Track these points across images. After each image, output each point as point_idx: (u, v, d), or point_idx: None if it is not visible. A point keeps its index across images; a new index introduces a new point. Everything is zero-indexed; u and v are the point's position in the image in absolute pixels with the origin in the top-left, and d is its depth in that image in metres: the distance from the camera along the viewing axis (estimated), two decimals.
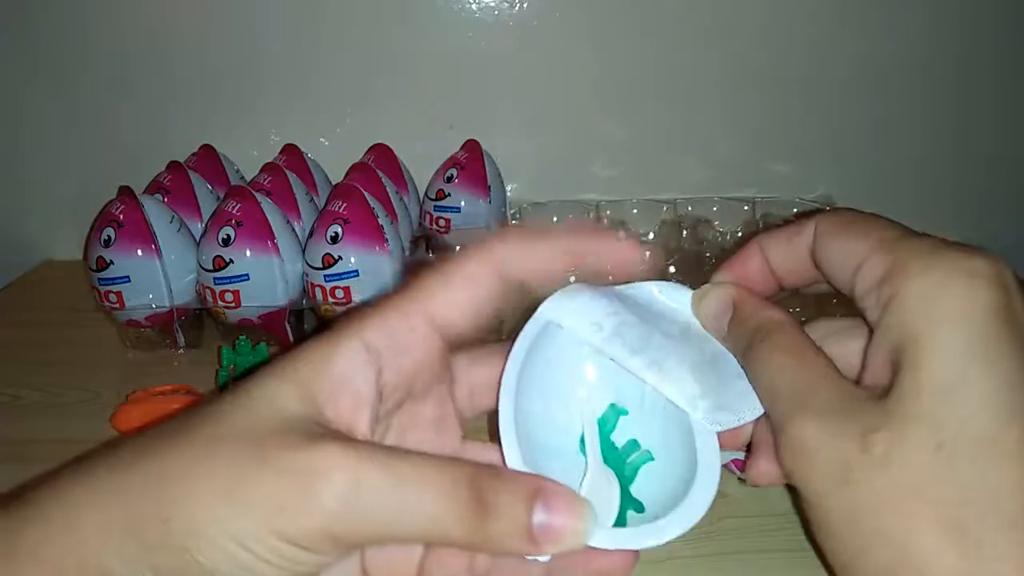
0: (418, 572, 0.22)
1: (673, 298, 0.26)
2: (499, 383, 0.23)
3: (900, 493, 0.19)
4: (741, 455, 0.38)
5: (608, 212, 0.68)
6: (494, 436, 0.22)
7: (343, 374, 0.20)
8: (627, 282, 0.25)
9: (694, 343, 0.25)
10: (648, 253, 0.24)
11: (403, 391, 0.22)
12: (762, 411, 0.23)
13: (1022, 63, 0.70)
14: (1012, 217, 0.77)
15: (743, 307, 0.25)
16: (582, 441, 0.24)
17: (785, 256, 0.26)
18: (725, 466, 0.38)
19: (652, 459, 0.24)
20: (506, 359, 0.23)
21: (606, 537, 0.20)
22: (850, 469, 0.19)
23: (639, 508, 0.22)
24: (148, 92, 0.69)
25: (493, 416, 0.23)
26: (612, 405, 0.25)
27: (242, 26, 0.67)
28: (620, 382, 0.24)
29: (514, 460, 0.21)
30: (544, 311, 0.24)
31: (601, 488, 0.23)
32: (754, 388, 0.23)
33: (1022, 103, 0.72)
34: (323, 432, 0.19)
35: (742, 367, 0.24)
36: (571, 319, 0.23)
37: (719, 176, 0.74)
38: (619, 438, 0.24)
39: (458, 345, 0.22)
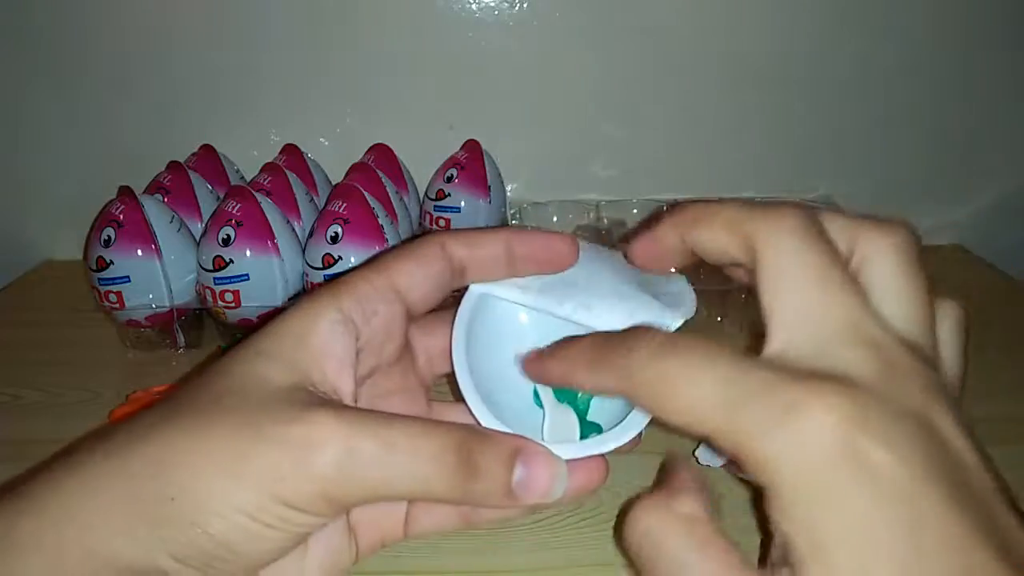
0: (404, 522, 0.25)
1: (591, 248, 0.27)
2: (450, 354, 0.25)
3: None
4: None
5: (608, 212, 0.68)
6: (457, 398, 0.24)
7: (324, 342, 0.21)
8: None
9: (618, 275, 0.26)
10: (581, 245, 0.26)
11: (375, 357, 0.24)
12: (692, 313, 0.25)
13: (1023, 63, 0.70)
14: (1013, 218, 0.77)
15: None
16: (535, 393, 0.26)
17: (707, 237, 0.24)
18: (724, 467, 0.38)
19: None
20: (451, 331, 0.25)
21: (575, 449, 0.22)
22: (830, 487, 0.17)
23: (599, 430, 0.25)
24: (148, 92, 0.69)
25: (452, 381, 0.24)
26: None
27: (242, 26, 0.67)
28: (558, 332, 0.25)
29: (487, 419, 0.23)
30: (475, 287, 0.26)
31: (561, 424, 0.25)
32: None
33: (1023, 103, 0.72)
34: (313, 399, 0.20)
35: None
36: (500, 288, 0.26)
37: (719, 176, 0.74)
38: None
39: (413, 318, 0.24)
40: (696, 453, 0.39)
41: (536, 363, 0.23)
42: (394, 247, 0.25)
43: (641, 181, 0.73)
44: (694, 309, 0.25)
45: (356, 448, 0.19)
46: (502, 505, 0.21)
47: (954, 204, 0.76)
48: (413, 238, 0.25)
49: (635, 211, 0.68)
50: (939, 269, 0.55)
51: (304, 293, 0.23)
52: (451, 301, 0.26)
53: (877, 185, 0.75)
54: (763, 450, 0.17)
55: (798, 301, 0.19)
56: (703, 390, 0.18)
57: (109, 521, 0.19)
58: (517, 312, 0.27)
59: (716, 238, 0.22)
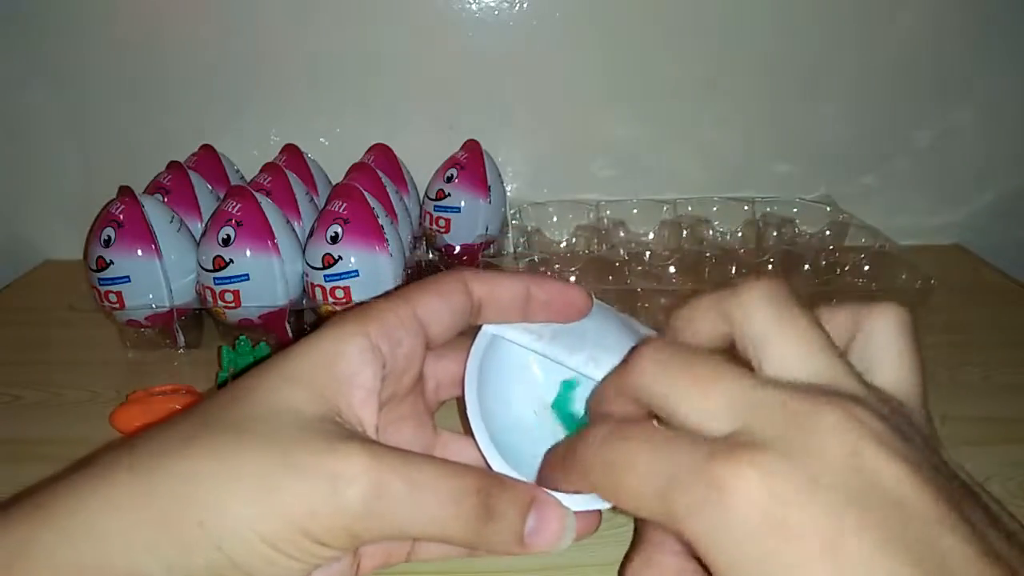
0: (410, 549, 0.26)
1: (600, 304, 0.28)
2: (462, 393, 0.26)
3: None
4: None
5: (608, 212, 0.68)
6: (466, 430, 0.25)
7: (353, 371, 0.22)
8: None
9: (624, 331, 0.28)
10: (592, 298, 0.27)
11: (394, 386, 0.24)
12: None
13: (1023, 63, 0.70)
14: (1013, 217, 0.77)
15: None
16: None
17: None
18: None
19: None
20: (463, 370, 0.26)
21: (581, 501, 0.23)
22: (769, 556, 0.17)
23: None
24: (148, 92, 0.69)
25: (462, 413, 0.25)
26: (563, 382, 0.28)
27: (242, 26, 0.67)
28: (563, 378, 0.27)
29: (500, 466, 0.24)
30: (488, 327, 0.27)
31: None
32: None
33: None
34: (342, 432, 0.20)
35: None
36: (512, 332, 0.27)
37: (719, 176, 0.74)
38: (578, 408, 0.28)
39: (430, 349, 0.25)
40: None
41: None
42: (418, 282, 0.25)
43: (641, 181, 0.73)
44: None
45: (384, 485, 0.19)
46: (512, 552, 0.22)
47: (954, 204, 0.76)
48: (434, 270, 0.27)
49: (635, 211, 0.68)
50: (939, 269, 0.55)
51: (327, 320, 0.24)
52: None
53: (877, 185, 0.75)
54: (696, 530, 0.17)
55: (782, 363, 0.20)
56: (640, 477, 0.19)
57: (131, 540, 0.19)
58: (528, 356, 0.28)
59: (711, 328, 0.22)
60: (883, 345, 0.21)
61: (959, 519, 0.17)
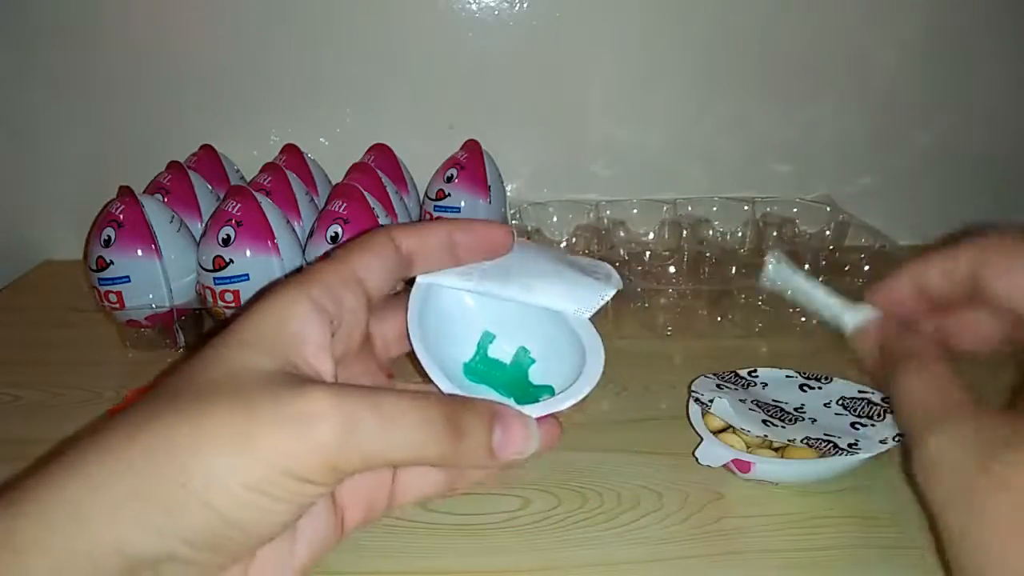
0: (389, 495, 0.27)
1: (523, 241, 0.30)
2: (408, 338, 0.27)
3: (1019, 519, 0.20)
4: (741, 455, 0.38)
5: (608, 212, 0.68)
6: (424, 379, 0.26)
7: (302, 328, 0.23)
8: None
9: (550, 259, 0.29)
10: (515, 235, 0.29)
11: (344, 343, 0.25)
12: (621, 285, 0.29)
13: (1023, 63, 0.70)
14: (1013, 218, 0.77)
15: (886, 337, 0.30)
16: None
17: (940, 282, 0.29)
18: (725, 466, 0.38)
19: (533, 360, 0.29)
20: (405, 320, 0.27)
21: (539, 408, 0.25)
22: (971, 490, 0.21)
23: (551, 392, 0.27)
24: (148, 92, 0.69)
25: (415, 363, 0.26)
26: (485, 332, 0.29)
27: (242, 26, 0.67)
28: (501, 312, 0.29)
29: (449, 388, 0.25)
30: (421, 278, 0.28)
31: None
32: (894, 410, 0.27)
33: (1023, 103, 0.72)
34: (303, 379, 0.21)
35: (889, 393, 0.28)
36: (444, 277, 0.28)
37: (719, 176, 0.74)
38: (504, 351, 0.29)
39: (372, 306, 0.26)
40: (696, 453, 0.39)
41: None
42: (346, 241, 0.26)
43: (641, 181, 0.73)
44: (622, 283, 0.29)
45: (354, 419, 0.20)
46: (486, 464, 0.23)
47: (954, 204, 0.76)
48: (362, 233, 0.27)
49: (635, 211, 0.68)
50: None
51: (272, 285, 0.25)
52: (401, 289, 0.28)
53: (877, 185, 0.75)
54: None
55: None
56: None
57: (117, 516, 0.19)
58: (463, 297, 0.29)
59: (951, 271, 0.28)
60: None
61: None
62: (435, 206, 0.62)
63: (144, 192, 0.55)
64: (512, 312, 0.28)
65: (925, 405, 0.25)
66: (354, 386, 0.22)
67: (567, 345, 0.27)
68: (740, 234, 0.67)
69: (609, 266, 0.31)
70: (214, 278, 0.51)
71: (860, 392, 0.43)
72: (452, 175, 0.62)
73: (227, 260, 0.50)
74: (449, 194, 0.62)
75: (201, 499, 0.19)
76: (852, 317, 0.33)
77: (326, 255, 0.26)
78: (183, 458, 0.19)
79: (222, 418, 0.20)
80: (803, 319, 0.55)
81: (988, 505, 0.20)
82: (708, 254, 0.60)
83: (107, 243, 0.51)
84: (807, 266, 0.60)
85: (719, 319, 0.57)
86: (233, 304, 0.51)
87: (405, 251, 0.27)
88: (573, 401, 0.25)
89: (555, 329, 0.28)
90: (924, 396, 0.25)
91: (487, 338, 0.29)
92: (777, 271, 0.36)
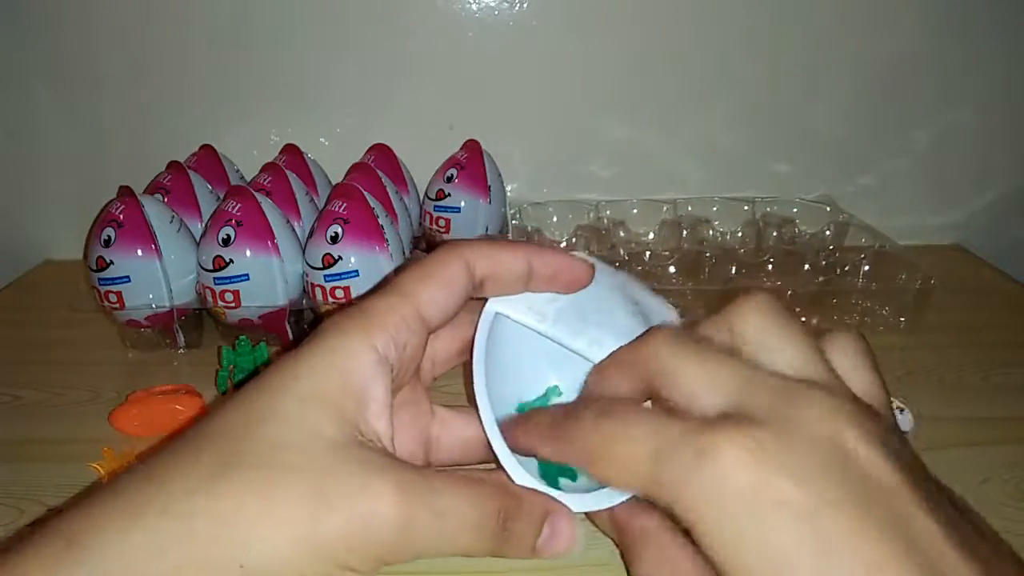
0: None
1: (600, 268, 0.29)
2: (469, 373, 0.26)
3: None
4: None
5: (608, 212, 0.68)
6: (467, 395, 0.26)
7: (367, 386, 0.22)
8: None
9: (624, 304, 0.28)
10: (595, 267, 0.28)
11: (397, 382, 0.24)
12: None
13: (1023, 63, 0.70)
14: (1013, 217, 0.77)
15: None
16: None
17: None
18: None
19: None
20: (471, 352, 0.26)
21: (590, 501, 0.25)
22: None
23: (572, 476, 0.26)
24: (148, 92, 0.69)
25: (465, 376, 0.26)
26: (553, 387, 0.29)
27: (242, 26, 0.67)
28: (568, 360, 0.27)
29: (518, 476, 0.25)
30: (493, 305, 0.27)
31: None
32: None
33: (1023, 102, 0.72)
34: (368, 459, 0.21)
35: None
36: (517, 312, 0.27)
37: (719, 176, 0.74)
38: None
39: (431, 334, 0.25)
40: None
41: (510, 431, 0.25)
42: (416, 263, 0.25)
43: (641, 181, 0.73)
44: None
45: (413, 518, 0.21)
46: (524, 557, 0.24)
47: (954, 204, 0.76)
48: (431, 247, 0.26)
49: (635, 211, 0.68)
50: (939, 269, 0.55)
51: (327, 319, 0.24)
52: None
53: (877, 185, 0.75)
54: (685, 496, 0.19)
55: (695, 375, 0.21)
56: (633, 446, 0.20)
57: None
58: (531, 333, 0.28)
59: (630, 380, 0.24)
60: (849, 367, 0.23)
61: (932, 505, 0.18)
62: (435, 206, 0.62)
63: (144, 192, 0.55)
64: (580, 366, 0.27)
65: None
66: (417, 476, 0.21)
67: None
68: (740, 234, 0.67)
69: (675, 312, 0.30)
70: (214, 278, 0.51)
71: None
72: (452, 175, 0.62)
73: (227, 260, 0.50)
74: (449, 194, 0.62)
75: None
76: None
77: (387, 281, 0.25)
78: (244, 537, 0.19)
79: (286, 499, 0.20)
80: (804, 319, 0.55)
81: (772, 530, 0.18)
82: (708, 254, 0.60)
83: (107, 243, 0.51)
84: (807, 266, 0.59)
85: None
86: (233, 304, 0.51)
87: (478, 276, 0.25)
88: (620, 499, 0.25)
89: None
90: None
91: (553, 391, 0.29)
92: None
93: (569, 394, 0.28)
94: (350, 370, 0.22)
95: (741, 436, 0.19)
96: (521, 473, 0.24)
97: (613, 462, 0.21)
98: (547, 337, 0.27)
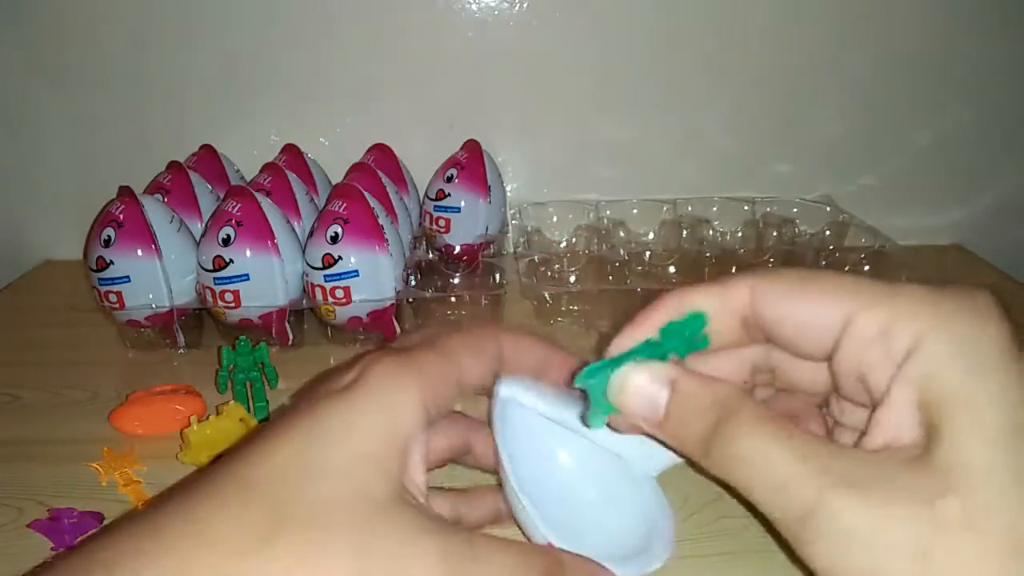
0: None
1: None
2: (499, 470, 0.27)
3: (998, 553, 0.17)
4: None
5: (608, 212, 0.68)
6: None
7: (411, 440, 0.23)
8: None
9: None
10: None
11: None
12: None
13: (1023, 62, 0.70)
14: (1013, 217, 0.77)
15: (686, 386, 0.22)
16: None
17: (714, 316, 0.23)
18: None
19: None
20: (495, 447, 0.28)
21: (632, 567, 0.26)
22: (928, 546, 0.17)
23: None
24: (148, 92, 0.69)
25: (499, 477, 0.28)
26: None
27: (242, 26, 0.67)
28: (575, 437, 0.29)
29: (558, 541, 0.26)
30: (504, 391, 0.28)
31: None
32: (733, 479, 0.21)
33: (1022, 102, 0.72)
34: (414, 522, 0.21)
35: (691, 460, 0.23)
36: (526, 396, 0.28)
37: (719, 176, 0.74)
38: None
39: None
40: None
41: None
42: (459, 336, 0.27)
43: (641, 181, 0.73)
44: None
45: None
46: None
47: (954, 204, 0.76)
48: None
49: (635, 211, 0.68)
50: (939, 269, 0.55)
51: (374, 360, 0.24)
52: None
53: (877, 185, 0.75)
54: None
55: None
56: (850, 293, 0.22)
57: None
58: (538, 415, 0.29)
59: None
60: None
61: None
62: (435, 206, 0.62)
63: (144, 192, 0.55)
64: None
65: (799, 457, 0.19)
66: (458, 539, 0.22)
67: (626, 499, 0.29)
68: (740, 234, 0.67)
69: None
70: (214, 278, 0.51)
71: None
72: (452, 175, 0.62)
73: (227, 260, 0.50)
74: (449, 194, 0.62)
75: None
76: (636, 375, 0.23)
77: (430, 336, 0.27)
78: None
79: (339, 565, 0.20)
80: None
81: (958, 555, 0.16)
82: (708, 254, 0.60)
83: (107, 243, 0.51)
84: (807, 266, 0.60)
85: None
86: (233, 304, 0.51)
87: (506, 359, 0.28)
88: (658, 564, 0.26)
89: (619, 476, 0.29)
90: (787, 447, 0.19)
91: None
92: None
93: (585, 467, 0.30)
94: (402, 427, 0.23)
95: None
96: (559, 539, 0.25)
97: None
98: (551, 419, 0.28)
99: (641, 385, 0.22)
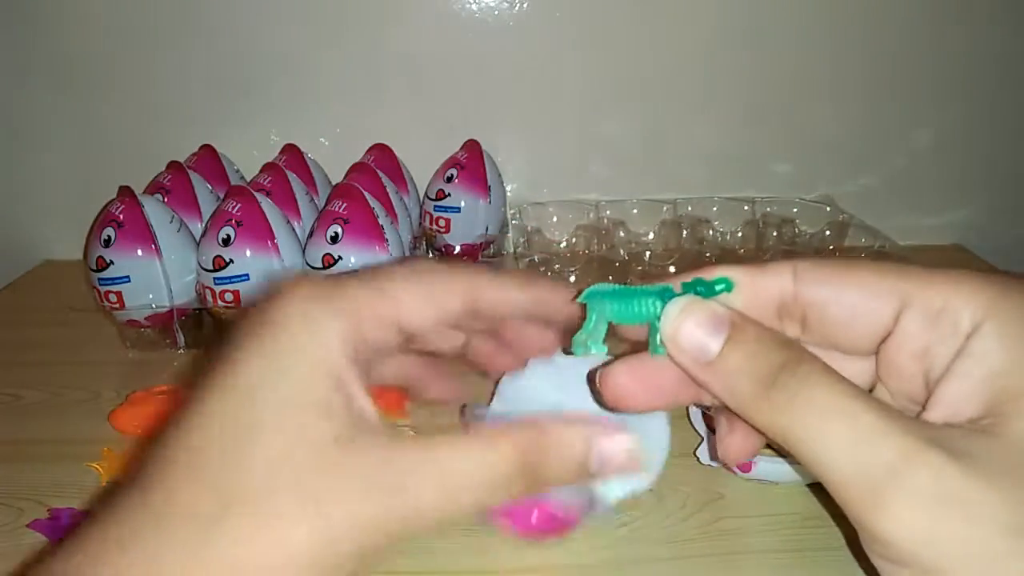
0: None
1: None
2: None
3: None
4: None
5: (608, 212, 0.68)
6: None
7: (344, 373, 0.21)
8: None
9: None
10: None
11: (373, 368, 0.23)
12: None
13: (1023, 62, 0.70)
14: (1013, 218, 0.77)
15: (747, 331, 0.21)
16: None
17: (747, 298, 0.22)
18: (725, 466, 0.38)
19: None
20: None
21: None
22: (1021, 521, 0.17)
23: None
24: (148, 92, 0.69)
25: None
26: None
27: (242, 26, 0.67)
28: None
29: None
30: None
31: None
32: (796, 427, 0.19)
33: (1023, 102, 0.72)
34: (365, 454, 0.20)
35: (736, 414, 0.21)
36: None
37: (719, 176, 0.74)
38: None
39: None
40: (697, 453, 0.39)
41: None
42: (405, 268, 0.24)
43: (641, 181, 0.73)
44: None
45: (423, 501, 0.19)
46: (577, 484, 0.21)
47: (954, 204, 0.76)
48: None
49: (635, 211, 0.68)
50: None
51: (286, 293, 0.22)
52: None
53: (877, 185, 0.75)
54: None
55: None
56: (901, 277, 0.23)
57: None
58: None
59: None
60: None
61: None
62: (435, 206, 0.62)
63: (144, 192, 0.55)
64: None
65: (889, 429, 0.18)
66: (414, 450, 0.20)
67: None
68: (740, 234, 0.67)
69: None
70: (214, 278, 0.51)
71: None
72: (452, 175, 0.62)
73: (227, 260, 0.50)
74: (449, 194, 0.62)
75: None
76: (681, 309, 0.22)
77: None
78: (251, 571, 0.18)
79: (293, 524, 0.18)
80: None
81: None
82: (708, 254, 0.60)
83: (107, 243, 0.51)
84: None
85: None
86: (233, 304, 0.51)
87: (489, 300, 0.24)
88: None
89: None
90: (871, 415, 0.18)
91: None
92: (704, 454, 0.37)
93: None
94: (329, 360, 0.20)
95: None
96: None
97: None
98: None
99: (697, 323, 0.21)
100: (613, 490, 0.33)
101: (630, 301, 0.22)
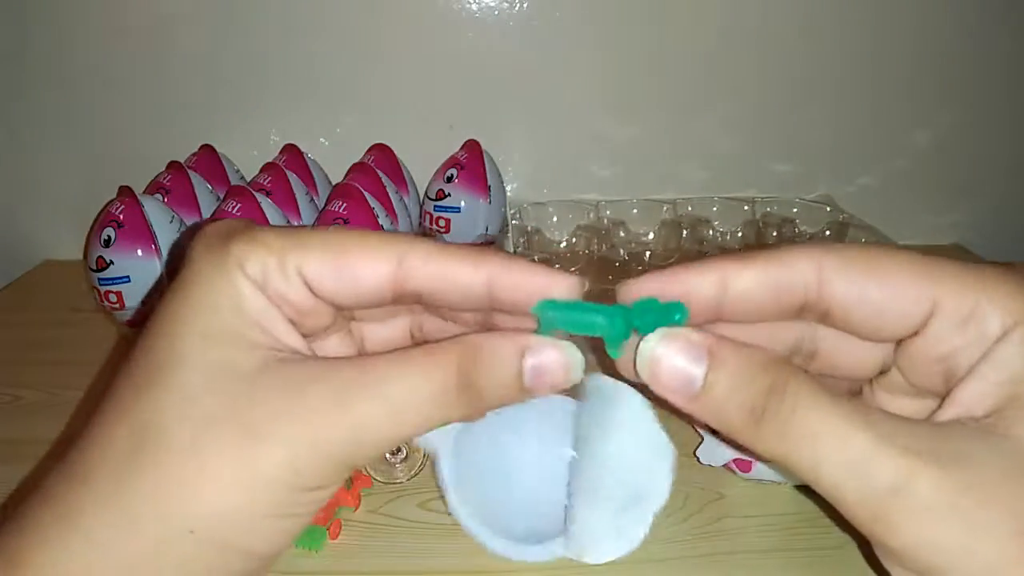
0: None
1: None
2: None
3: None
4: (742, 455, 0.38)
5: (608, 212, 0.68)
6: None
7: (262, 311, 0.20)
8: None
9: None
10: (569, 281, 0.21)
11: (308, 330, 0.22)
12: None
13: (1022, 63, 0.70)
14: (1013, 217, 0.77)
15: (726, 360, 0.20)
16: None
17: (756, 288, 0.21)
18: (725, 466, 0.38)
19: None
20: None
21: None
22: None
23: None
24: (148, 92, 0.69)
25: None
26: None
27: (242, 26, 0.67)
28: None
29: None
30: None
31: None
32: (793, 454, 0.19)
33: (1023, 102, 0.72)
34: (294, 374, 0.19)
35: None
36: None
37: (719, 176, 0.74)
38: None
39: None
40: (697, 453, 0.39)
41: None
42: (359, 230, 0.22)
43: (641, 181, 0.73)
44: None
45: (360, 419, 0.19)
46: (512, 403, 0.21)
47: (954, 204, 0.76)
48: None
49: (635, 211, 0.68)
50: None
51: (197, 242, 0.22)
52: None
53: (877, 185, 0.75)
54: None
55: None
56: (935, 273, 0.21)
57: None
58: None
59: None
60: None
61: None
62: (435, 206, 0.62)
63: (144, 192, 0.55)
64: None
65: (892, 439, 0.18)
66: (348, 368, 0.19)
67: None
68: (740, 234, 0.67)
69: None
70: None
71: None
72: (452, 175, 0.62)
73: None
74: (449, 194, 0.62)
75: (213, 541, 0.18)
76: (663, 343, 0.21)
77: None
78: (186, 504, 0.18)
79: (222, 451, 0.18)
80: None
81: None
82: (708, 254, 0.60)
83: (107, 243, 0.51)
84: None
85: None
86: None
87: (413, 287, 0.21)
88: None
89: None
90: (871, 424, 0.19)
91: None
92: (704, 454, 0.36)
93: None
94: (240, 295, 0.20)
95: None
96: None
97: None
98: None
99: (675, 355, 0.20)
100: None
101: (581, 315, 0.21)
